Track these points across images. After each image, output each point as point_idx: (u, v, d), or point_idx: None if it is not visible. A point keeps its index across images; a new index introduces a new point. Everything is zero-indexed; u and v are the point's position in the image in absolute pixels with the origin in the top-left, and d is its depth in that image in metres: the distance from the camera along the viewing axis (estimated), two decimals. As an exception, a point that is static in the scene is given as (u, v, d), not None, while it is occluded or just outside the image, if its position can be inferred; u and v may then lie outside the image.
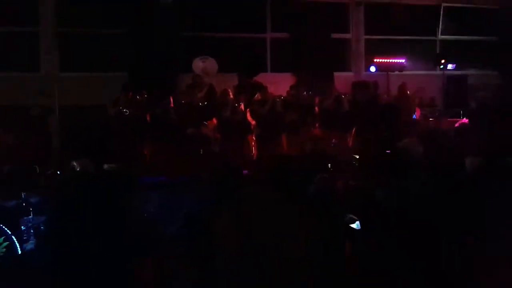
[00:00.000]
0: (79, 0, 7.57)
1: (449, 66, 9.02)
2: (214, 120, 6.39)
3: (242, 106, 6.55)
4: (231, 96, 6.57)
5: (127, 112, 5.62)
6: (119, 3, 7.57)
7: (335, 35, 9.05)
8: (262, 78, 7.73)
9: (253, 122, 6.38)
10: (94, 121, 6.90)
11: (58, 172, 4.20)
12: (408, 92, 7.81)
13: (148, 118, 5.91)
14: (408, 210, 2.09)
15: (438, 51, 9.65)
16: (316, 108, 6.74)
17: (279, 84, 7.77)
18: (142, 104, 6.10)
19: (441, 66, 8.84)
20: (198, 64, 7.77)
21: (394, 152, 2.71)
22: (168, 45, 7.81)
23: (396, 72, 8.65)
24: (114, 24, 7.84)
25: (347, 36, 9.37)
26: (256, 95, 6.78)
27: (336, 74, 8.81)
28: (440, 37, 9.88)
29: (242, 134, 6.01)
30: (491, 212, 1.98)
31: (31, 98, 7.34)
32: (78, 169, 3.10)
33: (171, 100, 6.11)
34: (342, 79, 8.72)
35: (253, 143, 6.13)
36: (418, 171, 2.24)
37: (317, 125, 6.53)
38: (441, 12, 9.71)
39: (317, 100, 6.78)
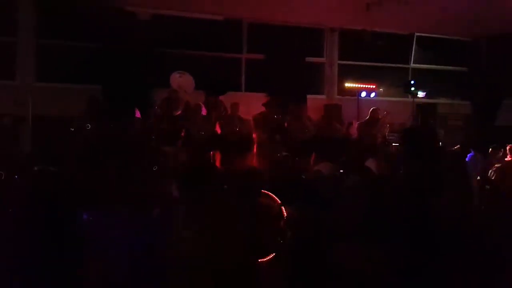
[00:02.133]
0: (58, 12, 7.66)
1: (420, 94, 9.33)
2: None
3: (217, 124, 6.67)
4: (204, 112, 6.68)
5: (89, 127, 5.62)
6: (97, 16, 7.70)
7: (309, 59, 9.32)
8: (236, 97, 7.90)
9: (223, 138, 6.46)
10: (63, 133, 6.93)
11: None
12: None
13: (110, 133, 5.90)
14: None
15: (409, 79, 9.97)
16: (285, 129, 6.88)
17: (252, 104, 7.92)
18: (108, 117, 6.13)
19: (412, 94, 9.15)
20: (176, 78, 7.88)
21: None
22: (144, 60, 7.93)
23: (367, 97, 8.91)
24: (91, 37, 7.97)
25: (321, 60, 9.66)
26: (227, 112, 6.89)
27: (309, 96, 9.04)
28: (412, 65, 10.24)
29: (209, 149, 6.09)
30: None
31: (4, 107, 7.38)
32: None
33: (137, 112, 6.15)
34: (315, 102, 8.96)
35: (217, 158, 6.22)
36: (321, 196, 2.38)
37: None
38: (414, 41, 10.09)
39: (285, 122, 6.93)
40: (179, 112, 6.79)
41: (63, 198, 2.74)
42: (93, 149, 5.23)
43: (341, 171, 3.08)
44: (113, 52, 7.90)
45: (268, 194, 2.96)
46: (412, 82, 9.49)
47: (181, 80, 7.82)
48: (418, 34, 10.03)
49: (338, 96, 9.35)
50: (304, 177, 3.07)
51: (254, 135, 6.75)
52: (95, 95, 6.94)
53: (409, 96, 9.34)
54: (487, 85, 9.93)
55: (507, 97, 10.08)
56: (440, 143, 7.55)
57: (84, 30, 7.76)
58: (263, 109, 7.28)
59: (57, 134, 6.86)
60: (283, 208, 2.74)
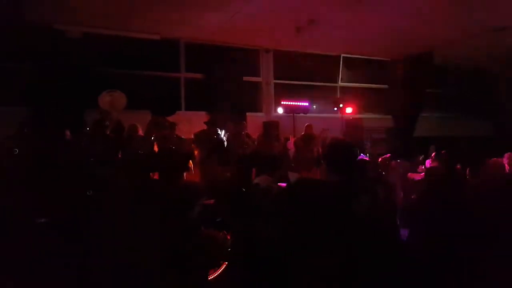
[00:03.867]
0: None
1: (347, 110, 10.05)
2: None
3: (155, 144, 6.58)
4: (140, 132, 6.57)
5: (16, 151, 5.25)
6: (23, 35, 7.30)
7: (247, 78, 9.65)
8: (176, 116, 7.89)
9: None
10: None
11: None
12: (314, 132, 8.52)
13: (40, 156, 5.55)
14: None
15: (338, 96, 10.71)
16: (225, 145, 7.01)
17: (193, 122, 7.96)
18: (37, 140, 5.78)
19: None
20: (105, 98, 7.62)
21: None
22: (74, 80, 7.62)
23: (301, 114, 9.40)
24: (17, 58, 7.51)
25: (258, 79, 10.04)
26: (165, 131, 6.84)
27: (248, 114, 9.32)
28: (340, 83, 11.02)
29: (147, 169, 5.98)
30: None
31: None
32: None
33: (67, 134, 5.89)
34: (254, 119, 9.25)
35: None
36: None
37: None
38: (341, 61, 10.89)
39: (225, 138, 7.07)
40: (108, 132, 6.60)
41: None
42: (22, 173, 4.92)
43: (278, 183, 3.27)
44: (41, 73, 7.50)
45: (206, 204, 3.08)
46: (341, 99, 10.24)
47: (111, 98, 7.59)
48: (344, 55, 10.84)
49: (275, 114, 9.72)
50: (244, 189, 3.21)
51: (195, 153, 6.78)
52: (23, 118, 6.53)
53: (339, 112, 10.04)
54: (405, 100, 10.93)
55: (423, 111, 11.24)
56: (367, 155, 8.21)
57: (10, 50, 7.31)
58: (204, 127, 7.36)
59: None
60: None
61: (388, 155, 5.92)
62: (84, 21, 7.83)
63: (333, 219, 2.30)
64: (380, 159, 5.70)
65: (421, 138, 10.53)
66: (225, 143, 7.03)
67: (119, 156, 6.30)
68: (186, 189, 3.15)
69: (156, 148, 6.42)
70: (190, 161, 6.52)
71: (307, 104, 9.46)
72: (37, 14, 7.20)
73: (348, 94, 10.79)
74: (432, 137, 10.22)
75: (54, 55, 7.60)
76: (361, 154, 8.37)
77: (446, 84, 11.88)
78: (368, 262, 2.20)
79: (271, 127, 8.73)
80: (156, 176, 6.18)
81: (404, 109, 10.99)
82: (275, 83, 10.12)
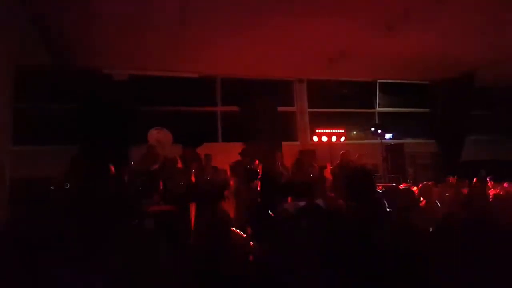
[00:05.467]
0: (34, 76, 7.92)
1: (387, 136, 9.85)
2: None
3: (193, 175, 6.83)
4: (180, 165, 6.85)
5: (67, 186, 5.70)
6: (73, 79, 8.01)
7: (281, 109, 9.83)
8: (213, 147, 8.16)
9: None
10: (42, 194, 6.92)
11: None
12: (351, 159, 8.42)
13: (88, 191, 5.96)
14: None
15: (376, 122, 10.54)
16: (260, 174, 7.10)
17: (229, 153, 8.18)
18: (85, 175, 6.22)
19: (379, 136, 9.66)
20: (153, 134, 8.11)
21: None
22: (120, 119, 8.18)
23: (338, 141, 9.35)
24: (69, 99, 8.22)
25: (293, 109, 10.18)
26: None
27: (284, 143, 9.42)
28: (378, 109, 10.87)
29: (186, 200, 6.20)
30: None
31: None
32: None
33: (112, 169, 6.27)
34: (291, 148, 9.33)
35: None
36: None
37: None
38: (377, 87, 10.79)
39: (260, 167, 7.17)
40: (156, 166, 6.94)
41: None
42: (73, 207, 5.29)
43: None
44: (90, 112, 8.14)
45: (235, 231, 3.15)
46: (379, 125, 10.07)
47: (159, 136, 8.06)
48: (381, 80, 10.74)
49: (311, 142, 9.75)
50: (271, 214, 3.26)
51: (231, 183, 6.93)
52: (74, 155, 7.08)
53: (378, 138, 9.86)
54: (448, 124, 10.53)
55: (470, 134, 10.74)
56: (410, 181, 7.95)
57: (63, 93, 8.03)
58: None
59: (35, 196, 6.88)
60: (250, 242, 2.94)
61: (431, 182, 5.74)
62: (129, 65, 8.47)
63: (349, 247, 2.30)
64: (420, 186, 5.54)
65: (469, 162, 10.01)
66: (260, 172, 7.13)
67: (161, 188, 6.61)
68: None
69: (193, 179, 6.66)
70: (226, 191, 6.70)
71: (343, 131, 9.41)
72: (88, 60, 7.90)
73: (386, 120, 10.60)
74: (480, 161, 9.70)
75: (102, 96, 8.26)
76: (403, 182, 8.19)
77: (491, 105, 11.34)
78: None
79: (307, 155, 8.74)
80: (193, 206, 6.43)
81: (449, 133, 10.60)
82: (310, 112, 10.19)
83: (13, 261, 2.47)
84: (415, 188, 5.58)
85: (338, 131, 9.38)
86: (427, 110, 11.24)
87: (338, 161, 8.35)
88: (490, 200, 4.63)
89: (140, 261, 2.60)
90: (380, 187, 5.66)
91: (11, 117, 8.16)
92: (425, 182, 5.79)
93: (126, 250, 2.98)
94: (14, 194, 7.35)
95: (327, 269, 2.29)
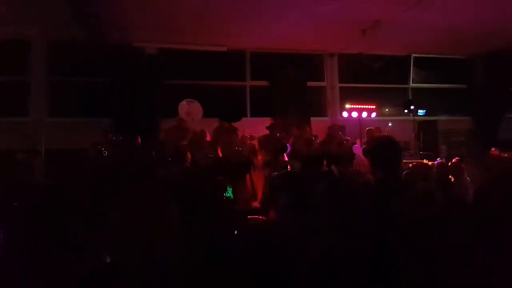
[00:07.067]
0: (67, 51, 8.08)
1: (420, 112, 9.53)
2: None
3: (219, 149, 6.87)
4: (208, 138, 6.89)
5: (105, 153, 5.87)
6: (105, 53, 8.11)
7: (311, 83, 9.64)
8: (242, 122, 8.16)
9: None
10: (77, 164, 7.16)
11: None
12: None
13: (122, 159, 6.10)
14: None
15: (409, 98, 10.19)
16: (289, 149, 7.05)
17: (258, 128, 8.17)
18: (120, 145, 6.36)
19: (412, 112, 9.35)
20: (184, 106, 8.17)
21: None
22: (151, 92, 8.27)
23: (369, 118, 9.13)
24: (102, 73, 8.36)
25: (323, 84, 9.98)
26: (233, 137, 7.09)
27: (313, 119, 9.30)
28: (411, 85, 10.49)
29: (214, 172, 6.24)
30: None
31: (19, 142, 7.66)
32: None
33: (139, 139, 6.37)
34: (320, 124, 9.20)
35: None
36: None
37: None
38: (411, 62, 10.39)
39: (290, 141, 7.12)
40: (185, 142, 7.01)
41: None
42: (110, 174, 5.46)
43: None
44: (122, 86, 8.26)
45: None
46: (412, 101, 9.73)
47: (189, 108, 8.11)
48: (415, 55, 10.33)
49: (341, 117, 9.57)
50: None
51: (259, 156, 6.92)
52: (106, 126, 7.25)
53: (410, 114, 9.56)
54: (486, 101, 10.09)
55: (507, 111, 10.27)
56: (443, 159, 7.70)
57: (96, 67, 8.17)
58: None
59: (69, 165, 7.12)
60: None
61: (457, 158, 5.58)
62: (160, 38, 8.47)
63: (367, 215, 2.28)
64: (450, 163, 5.43)
65: (506, 141, 9.58)
66: (288, 146, 7.09)
67: (189, 160, 6.68)
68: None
69: (220, 153, 6.69)
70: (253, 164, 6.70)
71: (374, 107, 9.17)
72: (120, 34, 7.95)
73: (420, 96, 10.24)
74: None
75: (133, 69, 8.35)
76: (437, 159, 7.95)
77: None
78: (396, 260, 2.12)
79: (336, 131, 8.60)
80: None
81: (486, 110, 10.16)
82: (340, 87, 9.97)
83: (44, 220, 2.56)
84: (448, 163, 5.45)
85: (369, 106, 9.14)
86: (463, 86, 10.76)
87: (366, 140, 8.19)
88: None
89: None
90: (411, 165, 5.53)
91: (45, 90, 8.48)
92: (454, 159, 5.64)
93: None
94: (49, 163, 7.68)
95: (340, 235, 2.27)
